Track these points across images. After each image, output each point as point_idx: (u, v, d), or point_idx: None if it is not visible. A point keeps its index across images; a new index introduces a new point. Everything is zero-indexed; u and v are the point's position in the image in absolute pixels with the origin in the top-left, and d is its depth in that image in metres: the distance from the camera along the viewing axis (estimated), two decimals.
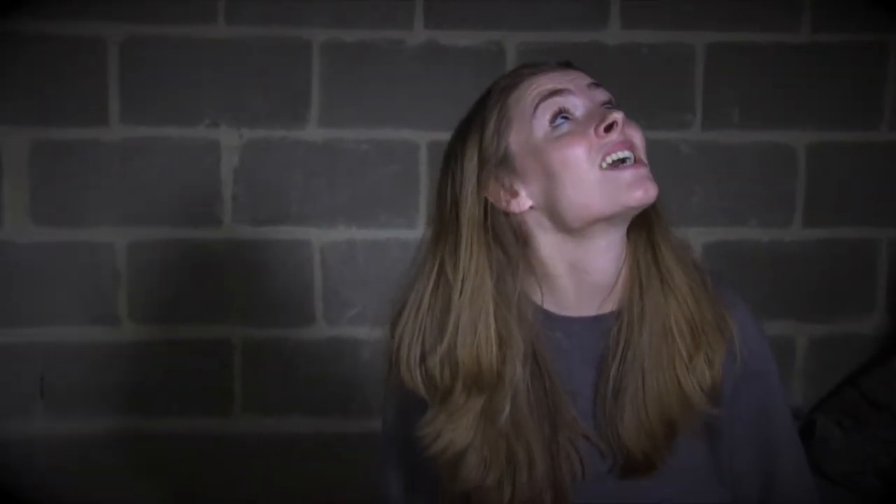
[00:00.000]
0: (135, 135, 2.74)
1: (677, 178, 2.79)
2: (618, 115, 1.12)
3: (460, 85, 2.69)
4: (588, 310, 1.17)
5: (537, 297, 1.17)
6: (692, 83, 2.83)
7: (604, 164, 1.12)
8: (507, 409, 1.11)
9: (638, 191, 1.10)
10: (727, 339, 1.14)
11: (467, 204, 1.15)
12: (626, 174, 1.11)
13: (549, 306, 1.17)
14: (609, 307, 1.17)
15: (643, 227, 1.17)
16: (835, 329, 2.92)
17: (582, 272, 1.16)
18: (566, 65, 1.20)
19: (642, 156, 1.13)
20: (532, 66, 1.20)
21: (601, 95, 1.17)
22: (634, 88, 2.67)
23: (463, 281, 1.13)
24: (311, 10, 2.75)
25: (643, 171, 1.12)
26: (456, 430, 1.13)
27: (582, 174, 1.11)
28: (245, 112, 2.76)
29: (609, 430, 1.13)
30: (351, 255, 2.83)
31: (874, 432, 2.62)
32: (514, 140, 1.15)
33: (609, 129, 1.11)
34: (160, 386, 2.80)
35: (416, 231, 2.73)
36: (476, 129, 1.18)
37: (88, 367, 2.79)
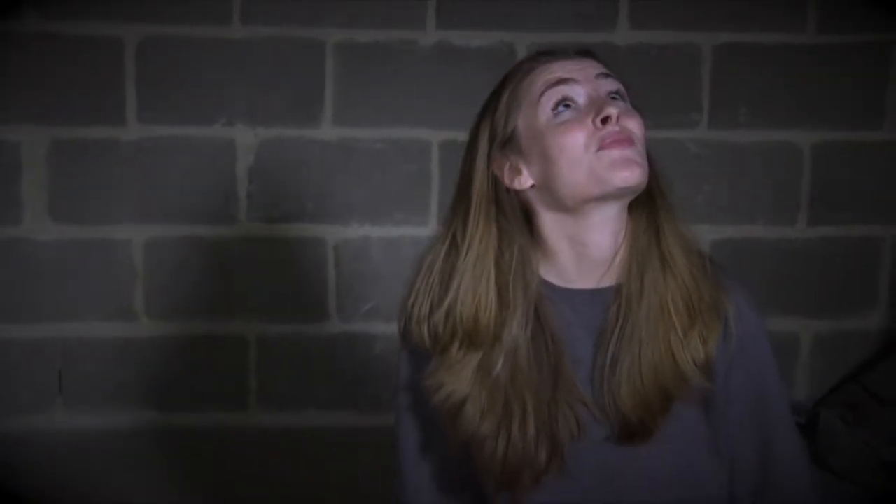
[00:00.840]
0: (151, 134, 2.79)
1: (685, 176, 2.83)
2: (612, 110, 1.17)
3: (472, 85, 2.70)
4: (588, 283, 1.23)
5: (542, 270, 1.24)
6: (699, 83, 2.88)
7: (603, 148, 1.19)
8: (500, 364, 1.19)
9: (624, 171, 1.16)
10: (722, 320, 1.20)
11: (478, 177, 1.23)
12: (614, 153, 1.17)
13: (552, 278, 1.24)
14: (609, 281, 1.23)
15: (647, 208, 1.23)
16: (839, 325, 2.97)
17: (580, 246, 1.22)
18: (585, 52, 1.25)
19: (638, 144, 1.19)
20: (549, 53, 1.25)
21: (609, 85, 1.21)
22: (643, 88, 2.68)
23: (469, 246, 1.21)
24: (325, 11, 2.79)
25: (629, 151, 1.17)
26: (455, 382, 1.21)
27: (576, 159, 1.18)
28: (260, 111, 2.81)
29: (607, 397, 1.19)
30: (364, 252, 2.88)
31: (877, 426, 2.67)
32: (522, 122, 1.22)
33: (605, 121, 1.17)
34: (176, 380, 2.85)
35: (429, 228, 2.82)
36: (491, 108, 1.25)
37: (106, 363, 2.84)
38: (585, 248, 1.22)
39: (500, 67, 2.89)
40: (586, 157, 1.17)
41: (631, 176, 1.16)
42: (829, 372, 2.96)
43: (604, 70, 1.22)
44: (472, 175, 1.23)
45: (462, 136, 2.85)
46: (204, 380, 2.86)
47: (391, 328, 2.88)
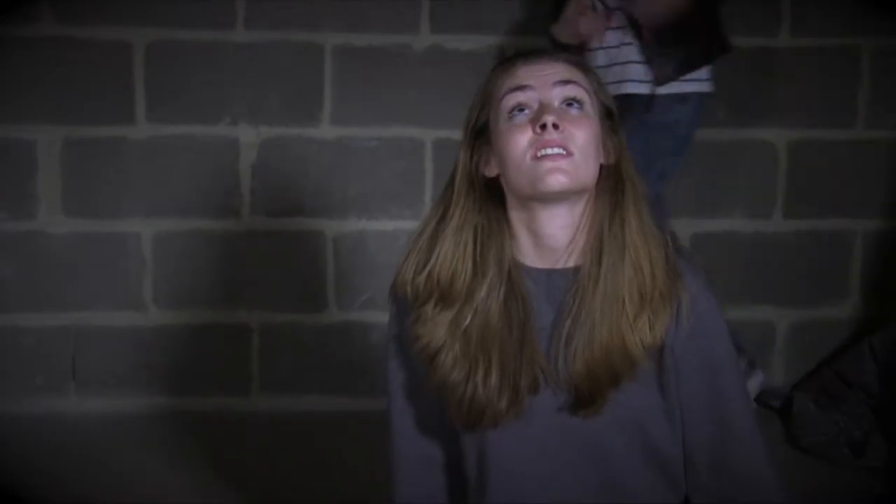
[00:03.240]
0: (160, 133, 2.87)
1: None
2: (548, 118, 1.29)
3: (463, 86, 2.73)
4: (547, 264, 1.36)
5: (511, 248, 1.37)
6: None
7: (538, 155, 1.30)
8: (468, 320, 1.33)
9: (550, 178, 1.29)
10: (674, 306, 1.31)
11: (462, 160, 1.38)
12: (545, 164, 1.29)
13: (518, 256, 1.37)
14: (569, 263, 1.35)
15: (613, 197, 1.35)
16: (813, 314, 3.05)
17: (535, 234, 1.35)
18: (558, 53, 1.38)
19: (574, 149, 1.30)
20: (524, 56, 1.37)
21: (567, 91, 1.33)
22: None
23: (451, 217, 1.36)
24: (325, 16, 2.87)
25: (561, 163, 1.29)
26: (430, 335, 1.35)
27: (518, 161, 1.31)
28: (262, 111, 2.89)
29: (561, 370, 1.32)
30: (361, 244, 2.96)
31: (847, 408, 2.77)
32: (490, 118, 1.36)
33: (543, 127, 1.29)
34: (183, 367, 2.93)
35: None
36: (474, 100, 1.39)
37: (116, 350, 2.92)
38: (539, 237, 1.35)
39: (489, 69, 2.96)
40: (524, 162, 1.30)
41: (555, 183, 1.28)
42: (803, 359, 3.04)
43: (564, 77, 1.33)
44: (458, 158, 1.37)
45: (454, 134, 2.99)
46: (209, 366, 2.93)
47: (386, 317, 3.00)
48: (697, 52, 2.49)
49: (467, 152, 1.37)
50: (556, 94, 1.32)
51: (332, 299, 2.97)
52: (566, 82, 1.33)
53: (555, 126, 1.28)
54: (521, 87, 1.32)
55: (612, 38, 2.51)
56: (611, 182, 1.35)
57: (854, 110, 2.99)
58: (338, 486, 2.46)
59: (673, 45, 2.44)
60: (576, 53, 2.40)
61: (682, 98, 2.49)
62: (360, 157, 2.93)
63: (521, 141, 1.30)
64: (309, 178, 2.92)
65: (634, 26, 2.47)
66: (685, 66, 2.48)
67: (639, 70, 2.48)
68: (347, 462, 2.59)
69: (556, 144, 1.28)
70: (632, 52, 2.49)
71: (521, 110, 1.32)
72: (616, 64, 2.50)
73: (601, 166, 1.35)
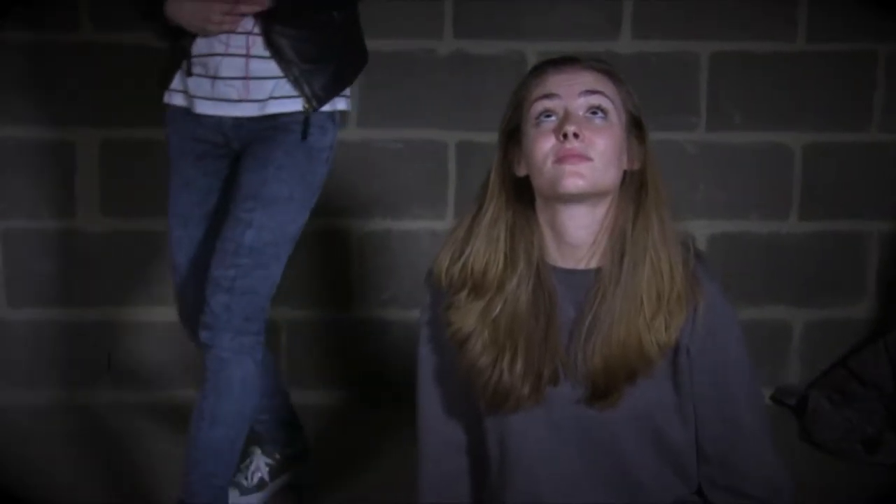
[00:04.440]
0: None
1: (683, 175, 2.97)
2: (570, 128, 1.35)
3: (485, 89, 2.89)
4: (570, 264, 1.43)
5: (539, 246, 1.44)
6: (697, 88, 2.99)
7: (559, 159, 1.37)
8: (499, 309, 1.40)
9: (568, 181, 1.35)
10: (690, 310, 1.37)
11: (497, 159, 1.46)
12: (565, 167, 1.36)
13: (544, 255, 1.44)
14: (591, 264, 1.42)
15: (636, 201, 1.41)
16: (828, 314, 3.07)
17: (557, 233, 1.42)
18: (588, 63, 1.42)
19: (594, 155, 1.37)
20: (555, 63, 1.43)
21: (592, 101, 1.39)
22: (644, 94, 2.79)
23: (485, 214, 1.44)
24: None
25: (580, 167, 1.35)
26: (462, 321, 1.42)
27: (541, 164, 1.38)
28: None
29: (580, 364, 1.39)
30: (386, 244, 3.02)
31: (860, 405, 2.81)
32: (521, 120, 1.43)
33: (566, 136, 1.36)
34: None
35: (446, 222, 2.96)
36: (509, 102, 1.46)
37: (150, 344, 3.00)
38: (561, 236, 1.42)
39: (511, 74, 3.05)
40: (545, 165, 1.37)
41: (572, 185, 1.35)
42: (818, 358, 3.06)
43: (590, 87, 1.39)
44: (495, 157, 1.45)
45: (476, 136, 3.09)
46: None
47: (409, 314, 3.09)
48: (347, 64, 2.12)
49: (501, 152, 1.45)
50: (581, 104, 1.38)
51: (357, 297, 3.03)
52: (591, 92, 1.39)
53: (575, 135, 1.35)
54: (548, 95, 1.39)
55: (236, 44, 2.00)
56: (635, 187, 1.41)
57: (869, 114, 3.01)
58: (364, 478, 2.53)
59: (318, 58, 2.03)
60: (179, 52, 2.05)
61: (333, 117, 2.09)
62: (384, 159, 2.99)
63: (544, 146, 1.37)
64: (335, 179, 2.83)
65: (268, 32, 1.99)
66: (337, 83, 2.08)
67: (282, 86, 2.02)
68: (370, 454, 2.65)
69: (576, 153, 1.35)
70: (265, 65, 2.01)
71: (548, 116, 1.38)
72: (249, 78, 2.01)
73: (626, 172, 1.41)
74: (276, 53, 2.00)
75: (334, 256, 3.04)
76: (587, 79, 1.39)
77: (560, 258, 1.43)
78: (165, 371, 3.01)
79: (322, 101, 2.05)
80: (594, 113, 1.38)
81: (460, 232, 1.45)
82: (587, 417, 1.41)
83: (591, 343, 1.38)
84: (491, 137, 1.51)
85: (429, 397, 1.53)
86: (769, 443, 1.45)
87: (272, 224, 2.02)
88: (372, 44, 2.89)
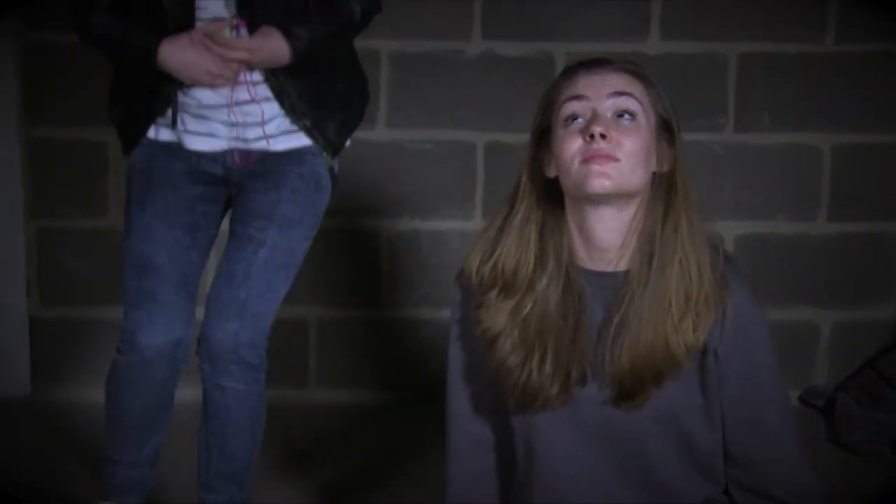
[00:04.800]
0: None
1: (711, 175, 2.97)
2: (597, 129, 1.36)
3: (514, 90, 2.89)
4: (598, 266, 1.44)
5: (568, 246, 1.45)
6: (725, 89, 3.00)
7: (585, 159, 1.38)
8: (528, 309, 1.41)
9: (594, 181, 1.36)
10: (718, 312, 1.37)
11: (528, 161, 1.47)
12: (591, 167, 1.36)
13: (574, 257, 1.44)
14: (619, 266, 1.42)
15: (665, 202, 1.41)
16: (856, 315, 3.07)
17: (586, 235, 1.42)
18: (617, 65, 1.42)
19: (621, 156, 1.37)
20: (586, 65, 1.43)
21: (620, 103, 1.39)
22: (672, 94, 2.85)
23: (516, 213, 1.45)
24: (381, 24, 2.85)
25: (606, 167, 1.35)
26: (492, 320, 1.43)
27: (568, 165, 1.39)
28: None
29: (607, 365, 1.40)
30: (414, 243, 3.04)
31: (888, 406, 2.80)
32: (552, 122, 1.44)
33: (592, 136, 1.37)
34: None
35: (474, 223, 2.97)
36: (539, 104, 1.47)
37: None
38: (589, 238, 1.42)
39: (539, 75, 3.06)
40: (573, 165, 1.38)
41: (598, 186, 1.35)
42: (846, 359, 3.06)
43: (619, 88, 1.39)
44: (526, 158, 1.46)
45: (504, 137, 3.09)
46: (268, 359, 3.02)
47: (438, 314, 3.11)
48: (355, 104, 2.11)
49: (531, 153, 1.46)
50: (610, 106, 1.38)
51: (386, 296, 3.05)
52: (620, 94, 1.39)
53: (602, 136, 1.35)
54: (577, 97, 1.39)
55: (239, 94, 1.95)
56: (664, 188, 1.41)
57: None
58: (395, 477, 2.54)
59: (327, 104, 2.01)
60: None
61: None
62: (413, 159, 3.01)
63: (572, 147, 1.38)
64: (365, 180, 3.00)
65: (274, 83, 1.96)
66: (348, 126, 2.09)
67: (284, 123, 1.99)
68: (396, 453, 2.67)
69: (602, 153, 1.36)
70: (271, 105, 1.97)
71: (576, 118, 1.39)
72: (263, 124, 1.98)
73: (655, 173, 1.41)
74: (285, 105, 1.95)
75: (363, 256, 3.06)
76: (616, 81, 1.40)
77: (589, 260, 1.44)
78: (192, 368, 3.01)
79: (337, 150, 2.05)
80: (622, 115, 1.38)
81: (491, 232, 1.47)
82: (613, 419, 1.41)
83: (619, 344, 1.38)
84: (519, 138, 1.53)
85: (458, 395, 1.55)
86: (797, 446, 1.45)
87: (285, 245, 1.96)
88: (400, 45, 2.99)
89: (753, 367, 1.41)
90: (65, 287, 3.06)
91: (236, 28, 1.92)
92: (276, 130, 1.98)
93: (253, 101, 1.95)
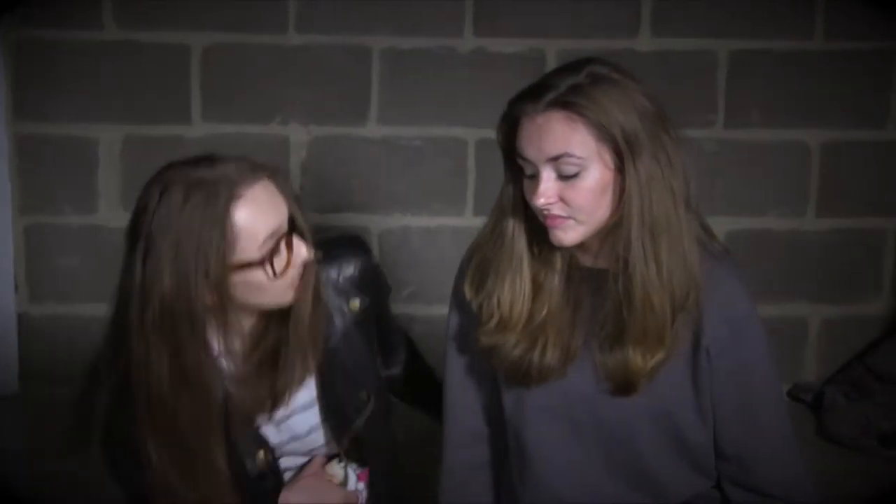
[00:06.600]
0: (214, 131, 2.98)
1: (702, 172, 2.87)
2: (538, 202, 1.34)
3: (506, 87, 2.73)
4: (588, 263, 1.44)
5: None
6: (715, 86, 3.01)
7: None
8: (544, 313, 1.42)
9: (557, 238, 1.37)
10: (709, 310, 1.37)
11: (505, 177, 1.44)
12: (551, 227, 1.37)
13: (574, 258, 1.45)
14: (601, 264, 1.42)
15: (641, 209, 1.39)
16: (845, 310, 3.09)
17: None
18: (560, 101, 1.32)
19: (573, 213, 1.35)
20: (522, 105, 1.34)
21: (559, 167, 1.33)
22: (663, 91, 2.82)
23: (504, 233, 1.43)
24: (373, 21, 2.95)
25: (562, 226, 1.35)
26: (492, 341, 1.44)
27: (537, 214, 1.39)
28: (312, 111, 2.97)
29: (599, 357, 1.41)
30: (405, 240, 3.04)
31: (876, 400, 2.83)
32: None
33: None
34: None
35: (465, 219, 2.98)
36: (498, 127, 1.43)
37: None
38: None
39: (531, 71, 3.01)
40: (539, 216, 1.38)
41: (563, 241, 1.37)
42: (835, 354, 3.08)
43: (556, 152, 1.32)
44: (504, 174, 1.45)
45: (496, 134, 3.04)
46: None
47: (429, 310, 3.09)
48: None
49: (507, 174, 1.43)
50: (549, 173, 1.34)
51: None
52: (556, 158, 1.33)
53: (549, 204, 1.34)
54: (521, 156, 1.36)
55: None
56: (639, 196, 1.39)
57: (886, 112, 3.03)
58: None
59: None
60: None
61: None
62: (405, 156, 3.01)
63: (534, 202, 1.36)
64: (356, 176, 3.00)
65: None
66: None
67: None
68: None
69: (555, 216, 1.35)
70: None
71: (530, 173, 1.37)
72: None
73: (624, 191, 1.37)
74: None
75: None
76: (552, 137, 1.33)
77: (581, 256, 1.45)
78: None
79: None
80: (565, 177, 1.34)
81: (484, 252, 1.45)
82: (605, 414, 1.42)
83: (609, 340, 1.40)
84: None
85: (456, 390, 1.57)
86: (791, 444, 1.45)
87: None
88: (392, 41, 2.98)
89: (747, 364, 1.42)
90: (53, 284, 3.04)
91: None
92: None
93: None
